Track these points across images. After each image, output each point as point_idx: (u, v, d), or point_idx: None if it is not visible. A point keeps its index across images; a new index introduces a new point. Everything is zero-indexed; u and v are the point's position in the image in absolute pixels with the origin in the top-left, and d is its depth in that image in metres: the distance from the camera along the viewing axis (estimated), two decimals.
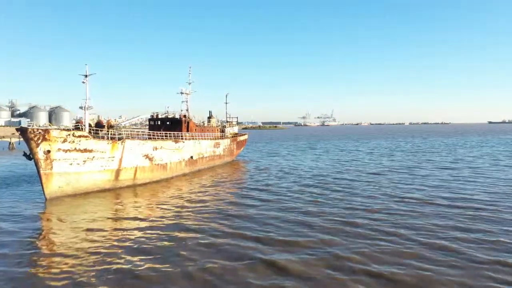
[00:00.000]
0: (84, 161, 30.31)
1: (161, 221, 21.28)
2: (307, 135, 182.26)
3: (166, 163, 38.87)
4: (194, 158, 44.31)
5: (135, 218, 22.07)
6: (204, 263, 14.84)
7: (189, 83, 53.19)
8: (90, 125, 33.88)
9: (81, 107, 33.02)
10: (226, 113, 69.49)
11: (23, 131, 27.38)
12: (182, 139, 42.12)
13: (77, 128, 32.33)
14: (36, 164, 28.05)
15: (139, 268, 14.43)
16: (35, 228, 20.30)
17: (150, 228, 19.88)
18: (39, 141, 27.54)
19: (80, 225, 20.63)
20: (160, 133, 39.90)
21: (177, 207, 24.95)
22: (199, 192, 30.74)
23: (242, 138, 64.60)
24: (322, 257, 15.48)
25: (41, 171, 27.93)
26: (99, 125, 36.22)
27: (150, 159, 36.41)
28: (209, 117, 62.71)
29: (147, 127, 49.64)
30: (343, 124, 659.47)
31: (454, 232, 18.46)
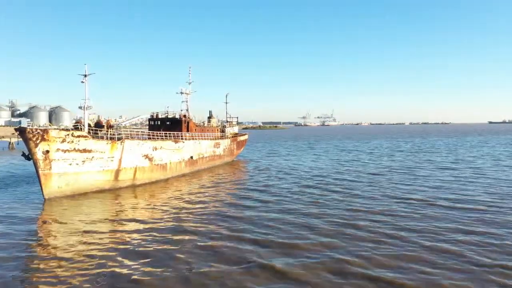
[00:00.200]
0: (83, 161, 30.14)
1: (159, 223, 21.06)
2: (307, 135, 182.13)
3: (166, 163, 38.71)
4: (194, 158, 44.14)
5: (133, 220, 21.83)
6: (201, 267, 14.60)
7: (189, 83, 53.07)
8: (89, 125, 33.72)
9: (80, 107, 32.85)
10: (226, 113, 69.35)
11: (21, 131, 27.21)
12: (182, 139, 41.95)
13: (76, 128, 32.17)
14: (35, 165, 27.89)
15: (135, 272, 14.18)
16: (32, 231, 20.03)
17: (148, 230, 19.63)
18: (38, 141, 27.37)
19: (77, 227, 20.38)
20: (160, 133, 39.73)
21: (176, 208, 24.75)
22: (198, 193, 30.56)
23: (242, 138, 64.44)
24: (322, 260, 15.23)
25: (40, 172, 27.77)
26: (98, 125, 36.05)
27: (150, 159, 36.24)
28: (209, 117, 62.59)
29: (147, 127, 49.50)
30: (343, 124, 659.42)
31: (456, 235, 18.23)
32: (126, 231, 19.58)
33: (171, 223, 20.89)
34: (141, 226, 20.40)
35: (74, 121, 40.97)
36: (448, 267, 14.44)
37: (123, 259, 15.47)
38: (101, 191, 31.22)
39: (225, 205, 25.41)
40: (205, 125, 55.30)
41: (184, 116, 47.66)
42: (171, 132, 41.41)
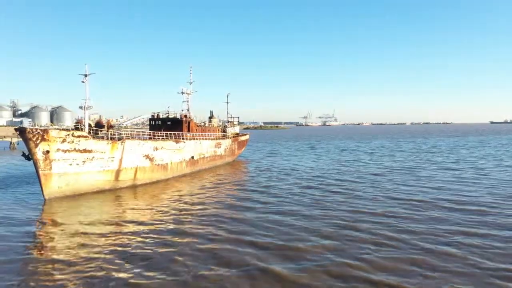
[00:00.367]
0: (84, 162, 30.04)
1: (158, 224, 20.86)
2: (308, 135, 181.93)
3: (167, 164, 38.59)
4: (195, 158, 44.02)
5: (133, 221, 21.62)
6: (200, 270, 14.39)
7: (190, 83, 52.91)
8: (90, 125, 33.62)
9: (80, 107, 32.76)
10: (228, 113, 69.22)
11: (21, 131, 27.11)
12: (183, 139, 41.84)
13: (76, 128, 32.06)
14: (35, 165, 27.78)
15: (133, 275, 13.98)
16: (30, 233, 19.81)
17: (147, 232, 19.44)
18: (38, 141, 27.27)
19: (76, 228, 20.16)
20: (160, 133, 39.62)
21: (176, 210, 24.56)
22: (199, 193, 30.40)
23: (243, 138, 64.32)
24: (322, 263, 14.99)
25: (40, 172, 27.66)
26: (99, 125, 35.94)
27: (151, 160, 36.13)
28: (210, 117, 62.43)
29: (148, 127, 49.40)
30: (344, 124, 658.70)
31: (458, 237, 18.02)
32: (125, 233, 19.39)
33: (171, 225, 20.71)
34: (141, 228, 20.21)
35: (75, 121, 40.86)
36: (450, 271, 14.24)
37: (121, 262, 15.28)
38: (102, 192, 31.11)
39: (226, 207, 25.23)
40: (206, 125, 55.18)
41: (185, 116, 47.53)
42: (172, 132, 41.30)
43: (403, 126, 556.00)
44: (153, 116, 48.40)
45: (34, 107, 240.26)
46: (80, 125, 32.15)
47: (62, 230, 20.13)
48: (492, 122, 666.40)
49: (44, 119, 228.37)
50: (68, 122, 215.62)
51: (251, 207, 24.89)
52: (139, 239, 18.32)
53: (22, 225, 21.09)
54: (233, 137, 59.66)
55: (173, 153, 39.54)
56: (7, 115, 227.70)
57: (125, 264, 15.06)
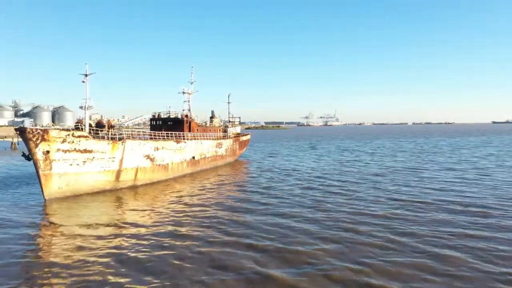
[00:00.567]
0: (84, 162, 29.90)
1: (157, 227, 20.56)
2: (309, 135, 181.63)
3: (168, 164, 38.44)
4: (196, 158, 43.86)
5: (132, 224, 21.32)
6: (198, 275, 14.14)
7: (191, 83, 52.74)
8: (90, 125, 33.48)
9: (81, 107, 32.64)
10: (229, 113, 69.07)
11: (21, 131, 26.98)
12: (184, 139, 41.68)
13: (77, 128, 31.91)
14: (35, 165, 27.66)
15: (129, 280, 13.76)
16: (28, 236, 19.45)
17: (146, 234, 19.16)
18: (38, 142, 27.14)
19: (74, 231, 19.86)
20: (161, 133, 39.48)
21: (176, 211, 24.27)
22: (199, 195, 30.18)
23: (244, 138, 64.15)
24: (323, 268, 14.69)
25: (40, 172, 27.54)
26: (99, 125, 35.77)
27: (151, 160, 35.97)
28: (212, 117, 62.25)
29: (149, 127, 49.25)
30: (346, 124, 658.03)
31: (462, 240, 17.74)
32: (124, 235, 19.12)
33: (170, 227, 20.42)
34: (140, 230, 19.95)
35: (76, 121, 40.74)
36: (453, 275, 14.01)
37: (119, 266, 15.06)
38: (102, 192, 30.96)
39: (226, 208, 24.97)
40: (207, 125, 55.00)
41: (186, 116, 47.36)
42: (173, 132, 41.14)
43: (404, 126, 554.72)
44: (154, 116, 48.25)
45: (36, 107, 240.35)
46: (81, 125, 32.01)
47: (61, 232, 19.89)
48: (494, 122, 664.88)
49: (45, 119, 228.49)
50: (70, 122, 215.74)
51: (252, 209, 24.66)
52: (138, 241, 18.07)
53: (20, 227, 20.85)
54: (234, 137, 59.48)
55: (174, 153, 39.38)
56: (9, 115, 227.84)
57: (122, 268, 14.81)
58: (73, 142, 28.90)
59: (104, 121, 38.43)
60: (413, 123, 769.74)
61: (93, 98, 33.11)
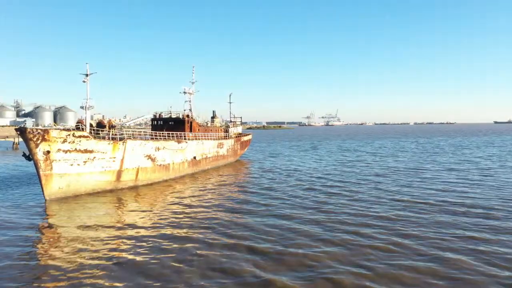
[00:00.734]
0: (85, 162, 29.77)
1: (157, 229, 20.31)
2: (311, 135, 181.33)
3: (169, 164, 38.30)
4: (197, 158, 43.72)
5: (131, 226, 21.07)
6: (196, 279, 13.90)
7: (192, 83, 52.66)
8: (91, 125, 33.37)
9: (82, 107, 32.53)
10: (230, 113, 68.94)
11: (22, 131, 26.87)
12: (185, 139, 41.54)
13: (77, 128, 31.79)
14: (36, 165, 27.54)
15: (126, 284, 13.56)
16: (27, 238, 19.15)
17: (145, 237, 18.92)
18: (38, 142, 27.02)
19: (72, 234, 19.59)
20: (162, 133, 39.34)
21: (176, 213, 24.01)
22: (200, 196, 29.95)
23: (246, 138, 63.98)
24: (324, 271, 14.41)
25: (41, 172, 27.42)
26: (100, 125, 35.65)
27: (152, 160, 35.84)
28: (213, 117, 62.10)
29: (151, 127, 49.12)
30: (347, 124, 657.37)
31: (465, 243, 17.51)
32: (123, 238, 18.88)
33: (170, 230, 20.16)
34: (139, 233, 19.72)
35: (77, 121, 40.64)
36: (456, 278, 13.80)
37: (117, 269, 14.86)
38: (103, 192, 30.82)
39: (226, 210, 24.70)
40: (209, 125, 54.84)
41: (187, 116, 47.22)
42: (174, 132, 41.01)
43: (406, 126, 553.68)
44: (155, 116, 48.12)
45: (38, 107, 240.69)
46: (81, 125, 31.89)
47: (60, 234, 19.70)
48: (496, 122, 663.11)
49: (47, 119, 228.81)
50: (72, 122, 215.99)
51: (252, 210, 24.41)
52: (137, 244, 17.85)
53: (20, 228, 20.61)
54: (236, 137, 59.32)
55: (175, 153, 39.24)
56: (11, 115, 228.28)
57: (121, 271, 14.62)
58: (73, 142, 28.77)
59: (105, 121, 38.33)
60: (415, 123, 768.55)
61: (95, 98, 33.27)
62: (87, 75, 32.17)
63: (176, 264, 15.25)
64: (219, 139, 51.22)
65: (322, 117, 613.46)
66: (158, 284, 13.54)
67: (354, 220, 21.42)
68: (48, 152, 27.55)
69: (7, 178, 38.19)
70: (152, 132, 39.84)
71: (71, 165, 28.97)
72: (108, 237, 19.10)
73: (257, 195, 29.47)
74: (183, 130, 44.27)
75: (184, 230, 19.98)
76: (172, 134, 40.44)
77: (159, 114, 47.69)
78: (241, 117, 71.55)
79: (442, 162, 50.98)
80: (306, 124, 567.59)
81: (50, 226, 21.33)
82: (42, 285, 13.57)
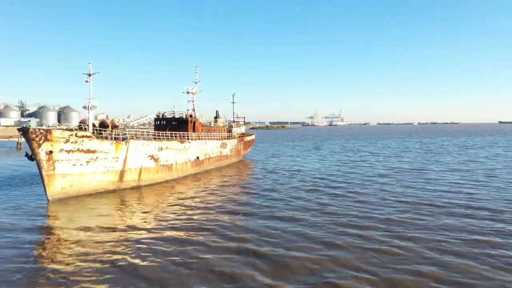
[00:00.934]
0: (87, 162, 29.69)
1: (158, 231, 20.06)
2: (314, 135, 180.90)
3: (172, 164, 38.18)
4: (200, 158, 43.58)
5: (132, 228, 20.87)
6: (195, 283, 13.65)
7: (196, 83, 52.57)
8: (94, 125, 33.29)
9: (84, 107, 32.44)
10: (233, 113, 68.83)
11: (24, 131, 26.83)
12: (188, 139, 41.41)
13: (80, 128, 31.73)
14: (38, 165, 27.48)
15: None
16: (27, 241, 18.80)
17: (146, 239, 18.69)
18: (41, 142, 26.96)
19: (73, 236, 19.36)
20: (165, 133, 39.24)
21: (178, 214, 23.76)
22: (202, 197, 29.71)
23: (249, 138, 63.81)
24: (326, 275, 14.14)
25: (43, 172, 27.35)
26: (103, 125, 35.56)
27: (155, 160, 35.73)
28: (216, 117, 62.02)
29: (154, 127, 49.07)
30: (351, 124, 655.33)
31: (470, 247, 17.21)
32: (124, 240, 18.68)
33: (171, 232, 19.93)
34: (140, 235, 19.50)
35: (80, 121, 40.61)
36: (461, 282, 13.54)
37: (117, 272, 14.67)
38: (105, 193, 30.73)
39: (229, 212, 24.40)
40: (212, 125, 54.72)
41: (190, 116, 47.12)
42: (177, 132, 40.90)
43: (410, 126, 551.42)
44: (158, 116, 48.05)
45: (42, 107, 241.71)
46: (84, 125, 31.82)
47: (61, 237, 19.49)
48: (500, 122, 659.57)
49: (51, 119, 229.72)
50: (76, 122, 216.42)
51: (255, 212, 24.10)
52: (137, 246, 17.65)
53: (21, 230, 20.42)
54: (239, 137, 59.16)
55: (178, 153, 39.13)
56: (15, 115, 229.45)
57: (120, 275, 14.42)
58: (76, 142, 28.70)
59: (108, 121, 38.26)
60: (419, 123, 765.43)
61: (99, 98, 33.56)
62: (89, 74, 32.09)
63: (177, 268, 15.05)
64: (222, 139, 51.07)
65: (326, 117, 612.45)
66: (158, 287, 13.36)
67: (358, 222, 21.13)
68: (51, 152, 27.48)
69: (10, 178, 38.18)
70: (155, 132, 39.75)
71: (74, 165, 28.89)
72: (109, 239, 18.91)
73: (259, 197, 29.24)
74: (186, 130, 44.17)
75: (186, 233, 19.75)
76: (175, 134, 40.33)
77: (162, 114, 47.62)
78: (244, 117, 71.38)
79: (447, 163, 50.58)
80: (310, 124, 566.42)
81: (51, 228, 21.14)
82: None
